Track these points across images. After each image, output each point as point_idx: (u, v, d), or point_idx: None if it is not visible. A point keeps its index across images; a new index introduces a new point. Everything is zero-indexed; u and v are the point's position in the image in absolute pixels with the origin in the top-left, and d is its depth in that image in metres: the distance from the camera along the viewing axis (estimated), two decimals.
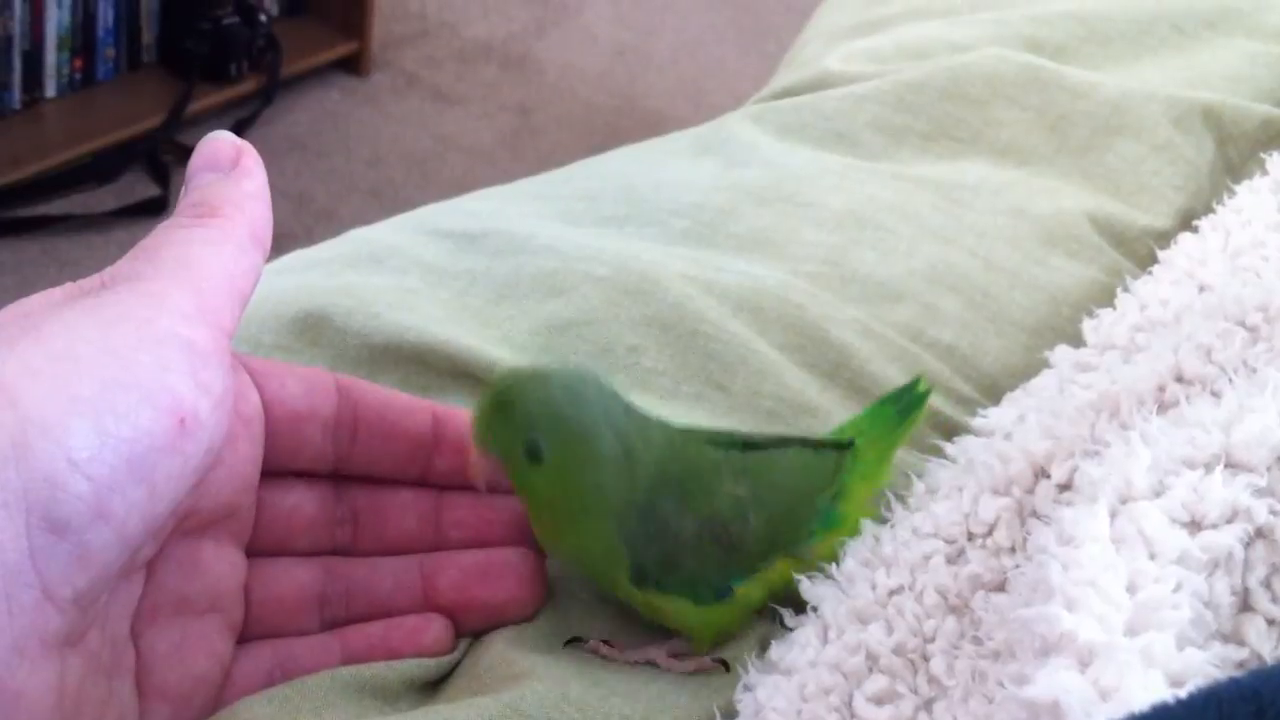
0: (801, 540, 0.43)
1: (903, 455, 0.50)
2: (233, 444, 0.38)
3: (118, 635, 0.36)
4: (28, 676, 0.32)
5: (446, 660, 0.41)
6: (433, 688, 0.42)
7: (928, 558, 0.42)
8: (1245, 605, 0.36)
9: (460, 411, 0.42)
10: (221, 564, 0.39)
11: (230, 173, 0.39)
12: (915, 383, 0.47)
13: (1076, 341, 0.54)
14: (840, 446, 0.45)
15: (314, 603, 0.41)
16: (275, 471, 0.41)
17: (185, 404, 0.34)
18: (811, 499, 0.43)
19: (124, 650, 0.37)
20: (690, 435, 0.43)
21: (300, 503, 0.41)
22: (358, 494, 0.42)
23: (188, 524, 0.38)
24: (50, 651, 0.33)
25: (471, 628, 0.42)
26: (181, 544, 0.38)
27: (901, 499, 0.46)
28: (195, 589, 0.38)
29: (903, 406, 0.46)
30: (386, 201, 1.81)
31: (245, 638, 0.40)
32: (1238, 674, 0.33)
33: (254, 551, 0.41)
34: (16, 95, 1.79)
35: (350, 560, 0.42)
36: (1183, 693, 0.27)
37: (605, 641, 0.42)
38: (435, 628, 0.41)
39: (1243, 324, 0.44)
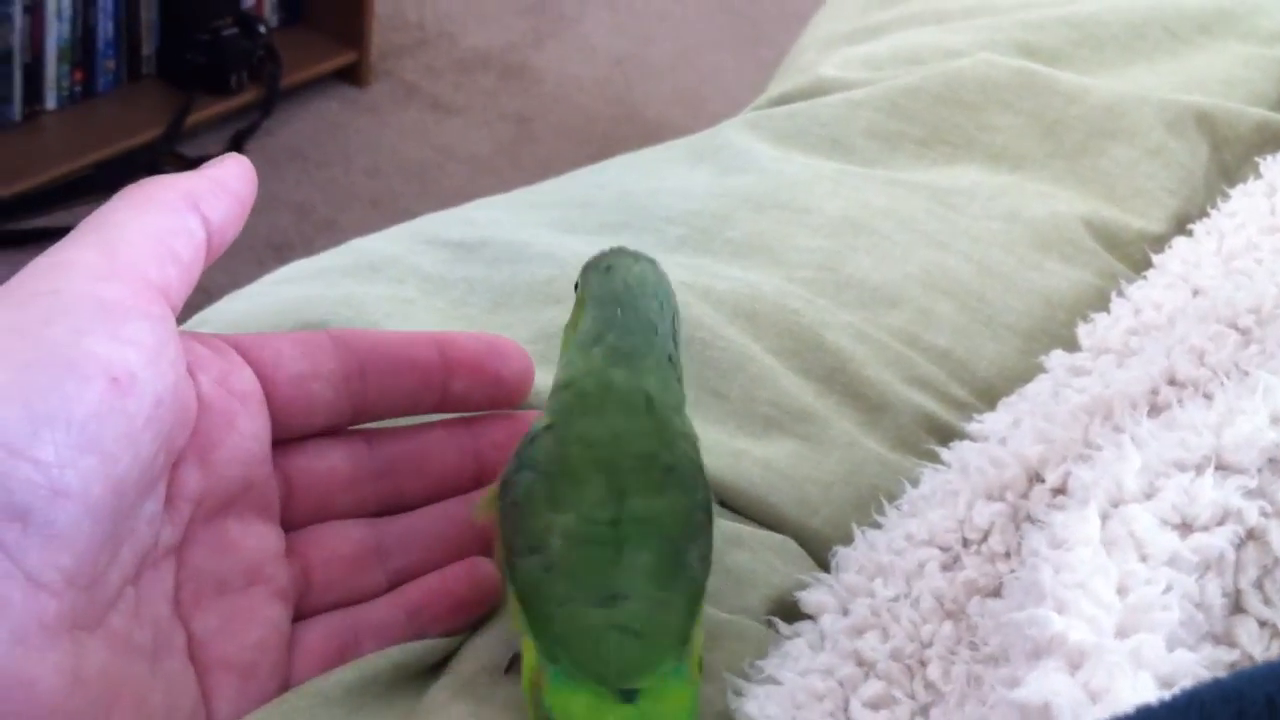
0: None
1: (897, 460, 0.50)
2: (230, 422, 0.39)
3: (159, 617, 0.37)
4: (36, 664, 0.33)
5: (442, 645, 0.42)
6: (424, 678, 0.42)
7: (923, 565, 0.43)
8: (1237, 607, 0.36)
9: (463, 334, 0.43)
10: (250, 539, 0.39)
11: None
12: None
13: (1071, 345, 0.54)
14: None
15: (373, 556, 0.42)
16: (297, 437, 0.41)
17: (113, 363, 0.34)
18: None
19: (170, 631, 0.37)
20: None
21: (334, 463, 0.42)
22: (390, 442, 0.43)
23: (205, 506, 0.38)
24: (55, 636, 0.33)
25: None
26: (206, 527, 0.39)
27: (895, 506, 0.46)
28: (228, 567, 0.39)
29: None
30: (386, 211, 1.82)
31: (315, 603, 0.41)
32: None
33: (299, 518, 0.41)
34: (17, 108, 1.80)
35: (403, 514, 0.43)
36: (1168, 694, 0.27)
37: None
38: (484, 565, 0.42)
39: (1235, 326, 0.44)
